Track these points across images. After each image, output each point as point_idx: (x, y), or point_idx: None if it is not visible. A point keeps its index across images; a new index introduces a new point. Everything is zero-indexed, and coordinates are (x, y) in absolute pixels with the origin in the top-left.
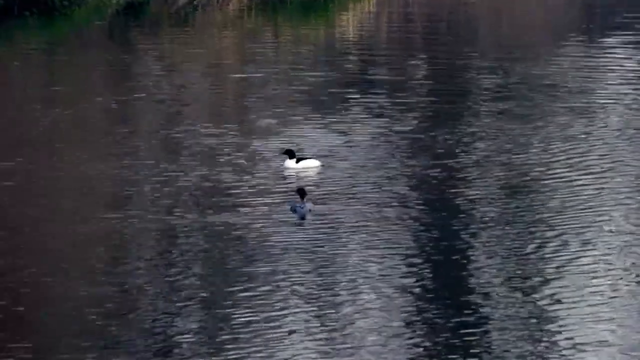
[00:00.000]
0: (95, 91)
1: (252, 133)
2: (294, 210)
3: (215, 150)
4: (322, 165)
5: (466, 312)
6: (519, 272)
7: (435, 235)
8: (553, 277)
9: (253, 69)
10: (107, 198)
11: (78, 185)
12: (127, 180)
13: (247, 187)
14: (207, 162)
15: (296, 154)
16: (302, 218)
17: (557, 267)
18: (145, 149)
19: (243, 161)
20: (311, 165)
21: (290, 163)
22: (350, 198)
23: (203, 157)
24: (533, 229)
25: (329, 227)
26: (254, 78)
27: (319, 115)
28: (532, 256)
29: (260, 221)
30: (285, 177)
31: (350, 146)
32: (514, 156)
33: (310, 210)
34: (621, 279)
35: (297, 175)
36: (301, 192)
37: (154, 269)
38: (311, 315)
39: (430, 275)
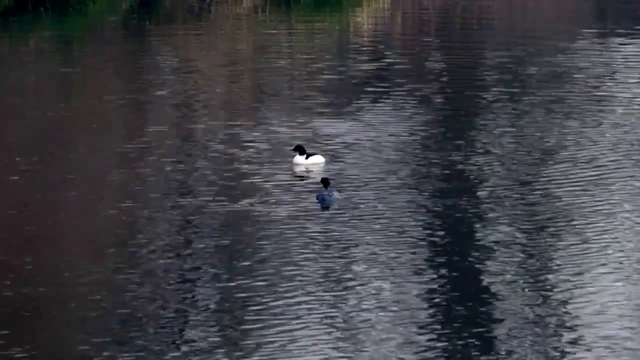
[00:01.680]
0: (109, 86)
1: (266, 128)
2: (322, 199)
3: (229, 145)
4: (326, 162)
5: (485, 306)
6: (540, 269)
7: (459, 229)
8: (572, 274)
9: (267, 64)
10: (120, 191)
11: (91, 177)
12: (139, 174)
13: (263, 179)
14: (221, 156)
15: (306, 150)
16: (327, 207)
17: (577, 264)
18: (157, 145)
19: (256, 155)
20: (318, 161)
21: (300, 159)
22: (371, 190)
23: (217, 151)
24: (554, 225)
25: (355, 217)
26: (268, 73)
27: (335, 110)
28: (553, 253)
29: (282, 211)
30: (294, 172)
31: (369, 140)
32: (533, 151)
33: (338, 199)
34: None
35: (306, 170)
36: (325, 182)
37: (167, 262)
38: (332, 309)
39: (455, 269)
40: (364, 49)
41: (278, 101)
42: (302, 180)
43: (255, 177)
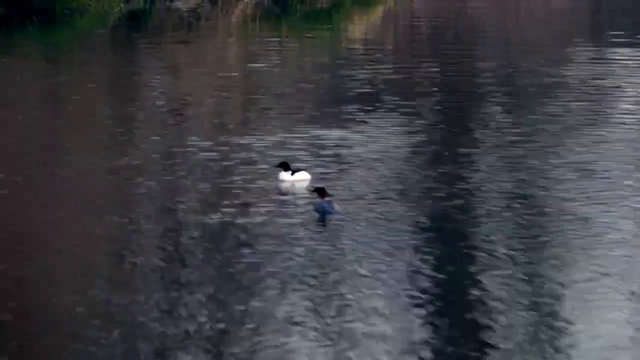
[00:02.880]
0: (97, 98)
1: (256, 140)
2: (322, 211)
3: (217, 160)
4: (312, 178)
5: (487, 319)
6: (544, 282)
7: (458, 243)
8: (582, 281)
9: (257, 77)
10: (108, 201)
11: (80, 190)
12: (127, 184)
13: (254, 193)
14: (208, 170)
15: (290, 166)
16: (323, 220)
17: (588, 270)
18: (144, 157)
19: (245, 168)
20: (304, 177)
21: (285, 175)
22: (364, 204)
23: (204, 165)
24: (557, 238)
25: (351, 231)
26: (257, 85)
27: (326, 122)
28: (557, 267)
29: (278, 225)
30: (280, 190)
31: (359, 154)
32: (535, 163)
33: (341, 214)
34: None
35: (292, 187)
36: (321, 192)
37: (157, 273)
38: (331, 323)
39: (454, 282)
40: (356, 60)
41: (268, 114)
42: (291, 196)
43: (245, 190)
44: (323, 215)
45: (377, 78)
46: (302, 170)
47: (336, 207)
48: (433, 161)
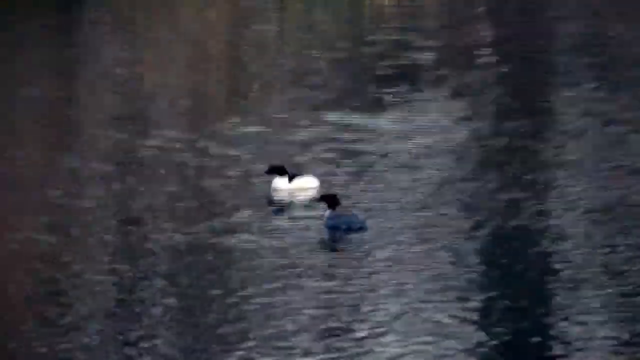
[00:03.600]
0: (45, 77)
1: (243, 133)
2: (334, 227)
3: (190, 161)
4: (320, 185)
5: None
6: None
7: (494, 254)
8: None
9: (248, 44)
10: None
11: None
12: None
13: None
14: (180, 175)
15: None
16: (334, 239)
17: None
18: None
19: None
20: (307, 185)
21: (281, 183)
22: (399, 214)
23: (175, 167)
24: (603, 248)
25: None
26: (249, 56)
27: (341, 106)
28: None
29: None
30: (273, 200)
31: (389, 149)
32: (583, 163)
33: (363, 226)
34: None
35: (290, 198)
36: (330, 200)
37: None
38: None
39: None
40: (384, 22)
41: (263, 95)
42: (290, 211)
43: (230, 204)
44: (335, 232)
45: (411, 46)
46: (303, 175)
47: (357, 216)
48: (470, 160)
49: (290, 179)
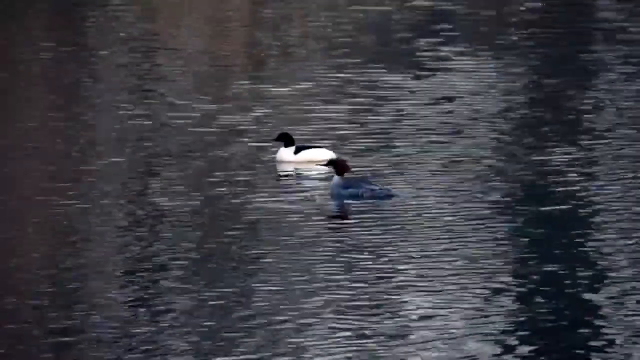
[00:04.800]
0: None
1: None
2: (340, 194)
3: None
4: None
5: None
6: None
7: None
8: None
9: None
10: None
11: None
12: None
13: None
14: (185, 148)
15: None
16: (341, 207)
17: None
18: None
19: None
20: (317, 157)
21: (286, 153)
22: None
23: (180, 141)
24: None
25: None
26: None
27: (365, 66)
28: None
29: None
30: (278, 171)
31: (419, 123)
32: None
33: (384, 193)
34: None
35: (295, 172)
36: (340, 165)
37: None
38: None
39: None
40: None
41: (282, 57)
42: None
43: (234, 174)
44: (341, 199)
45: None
46: (314, 147)
47: (372, 185)
48: (506, 135)
49: (298, 150)
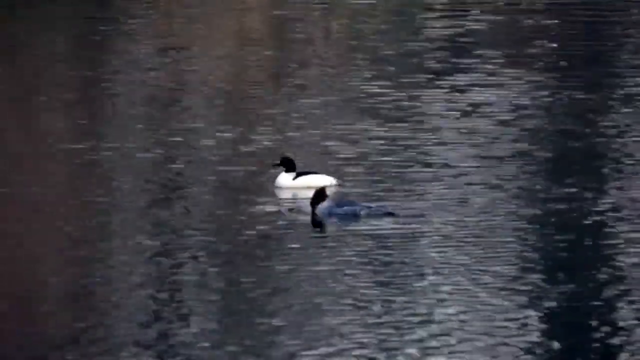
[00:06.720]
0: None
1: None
2: (356, 211)
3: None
4: (339, 185)
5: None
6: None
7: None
8: None
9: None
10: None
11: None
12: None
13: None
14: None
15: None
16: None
17: None
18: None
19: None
20: (316, 183)
21: (284, 179)
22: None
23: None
24: None
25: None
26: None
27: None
28: None
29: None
30: (278, 196)
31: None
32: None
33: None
34: None
35: (293, 197)
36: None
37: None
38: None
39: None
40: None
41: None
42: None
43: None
44: (335, 218)
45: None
46: (313, 172)
47: (358, 205)
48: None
49: (298, 175)
